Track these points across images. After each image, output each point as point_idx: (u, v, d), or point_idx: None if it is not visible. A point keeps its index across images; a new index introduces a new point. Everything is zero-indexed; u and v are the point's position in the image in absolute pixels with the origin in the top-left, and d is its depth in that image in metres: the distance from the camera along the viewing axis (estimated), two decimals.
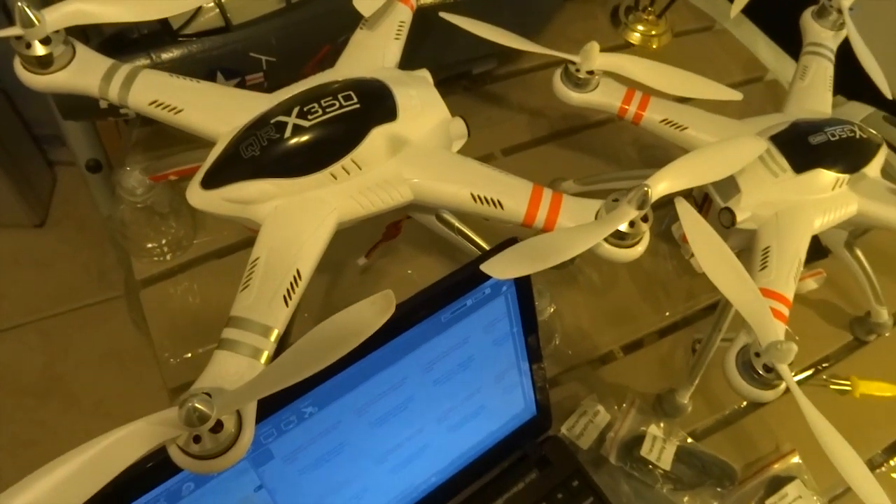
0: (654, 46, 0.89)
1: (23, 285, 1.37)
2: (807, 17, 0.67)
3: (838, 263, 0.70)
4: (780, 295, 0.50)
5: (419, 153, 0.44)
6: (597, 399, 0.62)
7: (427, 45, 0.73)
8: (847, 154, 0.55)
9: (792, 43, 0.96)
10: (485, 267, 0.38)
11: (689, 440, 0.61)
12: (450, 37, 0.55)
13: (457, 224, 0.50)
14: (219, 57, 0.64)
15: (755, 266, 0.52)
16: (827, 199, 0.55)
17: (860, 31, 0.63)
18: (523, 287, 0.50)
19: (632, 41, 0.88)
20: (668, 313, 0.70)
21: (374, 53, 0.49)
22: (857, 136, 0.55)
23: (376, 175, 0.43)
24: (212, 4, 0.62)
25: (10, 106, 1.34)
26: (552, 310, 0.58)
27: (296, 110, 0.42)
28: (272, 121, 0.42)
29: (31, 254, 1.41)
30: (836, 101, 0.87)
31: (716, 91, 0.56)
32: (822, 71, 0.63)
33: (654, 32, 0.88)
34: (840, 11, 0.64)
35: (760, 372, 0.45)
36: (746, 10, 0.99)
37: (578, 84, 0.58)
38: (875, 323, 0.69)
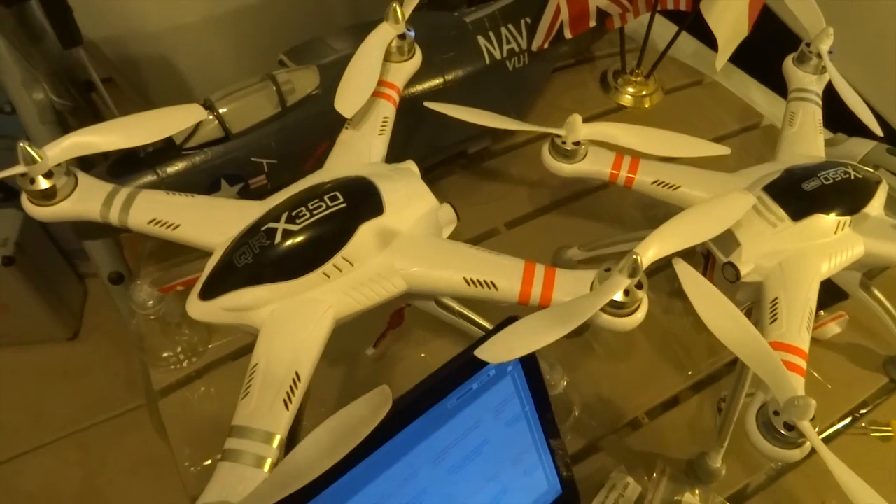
0: (647, 106, 0.90)
1: (59, 398, 1.40)
2: (788, 64, 0.67)
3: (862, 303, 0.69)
4: (795, 347, 0.48)
5: (410, 243, 0.45)
6: (625, 470, 0.60)
7: (422, 131, 0.76)
8: (844, 196, 0.54)
9: (784, 86, 0.97)
10: (479, 352, 0.38)
11: None
12: (443, 120, 0.56)
13: (456, 307, 0.50)
14: (221, 165, 0.67)
15: (765, 319, 0.51)
16: (831, 243, 0.54)
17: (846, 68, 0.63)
18: (529, 365, 0.49)
19: (624, 103, 0.90)
20: (690, 372, 0.68)
21: (359, 151, 0.50)
22: (853, 177, 0.55)
23: (368, 269, 0.44)
24: (211, 117, 0.65)
25: (40, 225, 1.40)
26: (565, 382, 0.57)
27: (284, 216, 0.43)
28: (263, 228, 0.43)
29: (65, 366, 1.44)
30: (837, 139, 0.88)
31: (703, 148, 0.57)
32: (810, 115, 0.63)
33: (644, 92, 0.90)
34: (820, 56, 0.65)
35: (782, 431, 0.44)
36: (737, 60, 1.01)
37: (567, 155, 0.59)
38: None
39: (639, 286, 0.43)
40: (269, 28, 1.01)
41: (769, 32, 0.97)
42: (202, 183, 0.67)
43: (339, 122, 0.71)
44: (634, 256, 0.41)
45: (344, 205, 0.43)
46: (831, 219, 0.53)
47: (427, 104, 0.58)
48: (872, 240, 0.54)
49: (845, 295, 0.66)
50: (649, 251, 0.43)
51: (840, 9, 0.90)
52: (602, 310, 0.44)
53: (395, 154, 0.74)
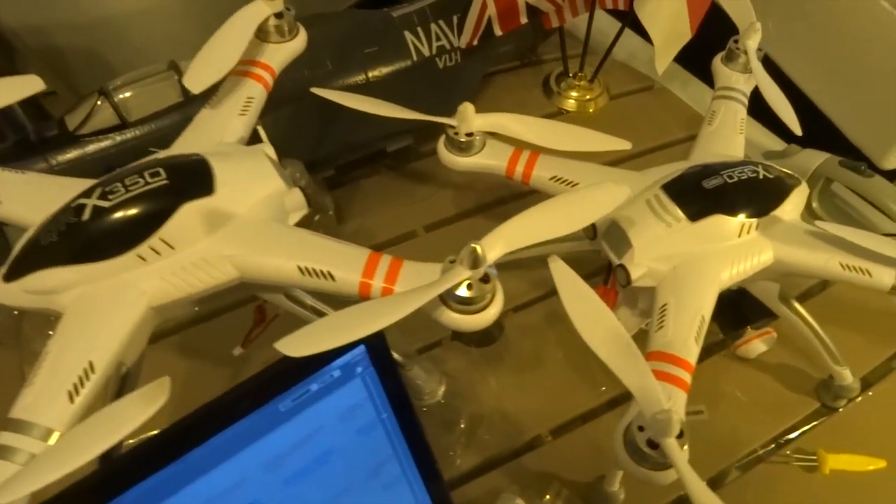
0: (591, 111, 0.86)
1: None
2: (716, 62, 0.63)
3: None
4: (679, 358, 0.44)
5: (244, 227, 0.41)
6: (517, 492, 0.55)
7: (336, 127, 0.72)
8: (750, 196, 0.49)
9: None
10: (280, 345, 0.34)
11: None
12: (358, 117, 0.53)
13: (309, 302, 0.46)
14: (116, 154, 0.64)
15: (653, 326, 0.46)
16: (734, 247, 0.49)
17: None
18: (385, 366, 0.44)
19: (567, 108, 0.86)
20: (604, 388, 0.63)
21: (212, 131, 0.46)
22: (761, 177, 0.50)
23: (192, 254, 0.40)
24: (105, 104, 0.62)
25: None
26: (443, 389, 0.53)
27: (98, 191, 0.39)
28: (73, 204, 0.39)
29: None
30: (789, 151, 0.83)
31: (602, 142, 0.53)
32: (731, 114, 0.59)
33: (588, 97, 0.86)
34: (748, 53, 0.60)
35: (645, 449, 0.39)
36: (694, 69, 0.97)
37: (461, 148, 0.55)
38: (839, 386, 0.61)
39: (485, 280, 0.39)
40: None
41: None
42: (95, 172, 0.64)
43: None
44: (473, 246, 0.37)
45: (165, 182, 0.40)
46: (734, 220, 0.49)
47: (314, 90, 0.55)
48: (783, 246, 0.49)
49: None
50: (496, 243, 0.39)
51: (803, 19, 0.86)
52: (448, 306, 0.40)
53: (307, 150, 0.71)
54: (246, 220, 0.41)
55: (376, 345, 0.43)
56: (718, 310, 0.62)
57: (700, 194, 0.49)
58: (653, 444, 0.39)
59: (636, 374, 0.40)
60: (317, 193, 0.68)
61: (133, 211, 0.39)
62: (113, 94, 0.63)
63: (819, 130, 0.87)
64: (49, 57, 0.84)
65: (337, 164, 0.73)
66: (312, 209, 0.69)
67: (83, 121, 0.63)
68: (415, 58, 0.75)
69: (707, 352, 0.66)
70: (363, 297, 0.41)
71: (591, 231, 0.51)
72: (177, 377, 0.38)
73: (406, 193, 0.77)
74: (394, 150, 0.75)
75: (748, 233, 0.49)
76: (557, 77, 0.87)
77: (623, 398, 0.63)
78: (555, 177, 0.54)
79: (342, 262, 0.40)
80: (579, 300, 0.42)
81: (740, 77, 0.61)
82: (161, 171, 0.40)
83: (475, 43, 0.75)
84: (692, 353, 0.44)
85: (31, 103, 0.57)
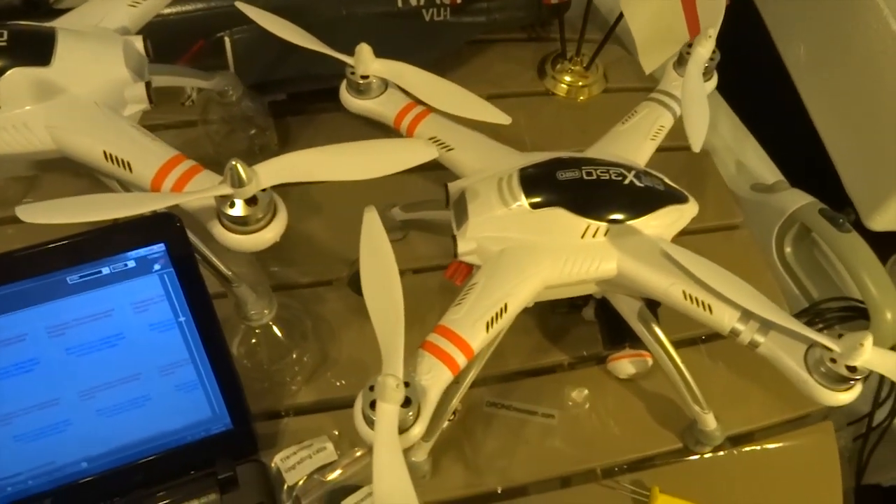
0: (582, 98, 0.83)
1: None
2: (668, 66, 0.59)
3: (696, 353, 0.60)
4: (459, 338, 0.43)
5: (70, 104, 0.43)
6: (337, 437, 0.56)
7: (298, 54, 0.73)
8: (604, 199, 0.47)
9: (755, 113, 0.86)
10: (19, 210, 0.36)
11: None
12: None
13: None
14: None
15: (455, 301, 0.45)
16: (574, 247, 0.47)
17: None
18: (186, 271, 0.46)
19: (556, 91, 0.83)
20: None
21: (96, 13, 0.49)
22: (626, 183, 0.47)
23: (15, 116, 0.42)
24: None
25: None
26: (269, 314, 0.53)
27: None
28: None
29: None
30: (777, 186, 0.77)
31: (485, 112, 0.51)
32: (650, 119, 0.55)
33: (581, 83, 0.82)
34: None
35: (367, 411, 0.38)
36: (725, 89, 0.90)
37: (358, 90, 0.55)
38: (700, 431, 0.57)
39: (252, 202, 0.39)
40: None
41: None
42: None
43: (219, 23, 0.71)
44: (234, 163, 0.37)
45: (4, 44, 0.42)
46: (577, 219, 0.46)
47: (238, 4, 0.56)
48: (629, 260, 0.46)
49: None
50: (276, 169, 0.39)
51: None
52: (223, 224, 0.40)
53: (263, 70, 0.72)
54: (75, 98, 0.43)
55: (177, 248, 0.45)
56: (604, 321, 0.60)
57: (549, 184, 0.46)
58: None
59: (390, 334, 0.39)
60: (257, 114, 0.70)
61: None
62: None
63: (819, 171, 0.80)
64: None
65: (290, 90, 0.74)
66: (250, 127, 0.71)
67: None
68: (400, 4, 0.75)
69: (586, 361, 0.63)
70: (154, 190, 0.42)
71: (445, 197, 0.50)
72: None
73: (357, 136, 0.76)
74: None
75: (594, 236, 0.47)
76: (555, 58, 0.84)
77: (480, 381, 0.62)
78: (434, 137, 0.53)
79: (143, 157, 0.42)
80: (375, 256, 0.42)
81: (681, 85, 0.57)
82: (4, 33, 0.42)
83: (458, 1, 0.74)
84: (477, 337, 0.43)
85: None
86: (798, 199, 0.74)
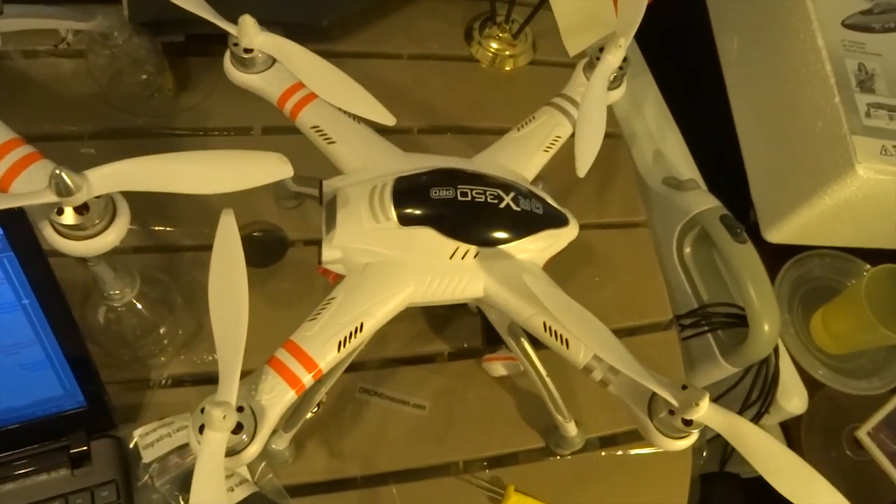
0: (508, 68, 0.79)
1: None
2: (577, 68, 0.56)
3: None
4: (307, 357, 0.42)
5: None
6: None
7: None
8: (476, 222, 0.45)
9: (683, 102, 0.85)
10: None
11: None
12: None
13: None
14: None
15: (312, 315, 0.44)
16: (441, 267, 0.45)
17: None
18: (27, 254, 0.43)
19: (479, 58, 0.79)
20: None
21: None
22: (501, 206, 0.45)
23: None
24: None
25: None
26: (132, 292, 0.51)
27: None
28: None
29: None
30: (687, 184, 0.77)
31: (371, 110, 0.48)
32: (546, 128, 0.53)
33: (508, 53, 0.79)
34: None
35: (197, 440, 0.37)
36: (661, 71, 0.88)
37: (242, 63, 0.51)
38: (561, 436, 0.58)
39: (84, 210, 0.36)
40: None
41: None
42: None
43: None
44: (58, 172, 0.34)
45: None
46: (447, 241, 0.45)
47: None
48: (496, 285, 0.46)
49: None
50: (106, 174, 0.36)
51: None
52: (58, 231, 0.38)
53: (158, 8, 0.66)
54: None
55: (17, 232, 0.42)
56: (485, 319, 0.60)
57: (421, 201, 0.45)
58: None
59: (229, 355, 0.38)
60: (149, 56, 0.65)
61: None
62: None
63: (733, 172, 0.80)
64: None
65: (189, 32, 0.69)
66: (140, 71, 0.66)
67: None
68: None
69: (465, 354, 0.63)
70: None
71: (319, 194, 0.48)
72: None
73: None
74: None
75: (462, 258, 0.45)
76: (484, 21, 0.80)
77: (357, 366, 0.62)
78: (316, 127, 0.50)
79: None
80: (226, 269, 0.40)
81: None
82: None
83: None
84: (326, 356, 0.42)
85: None
86: (703, 202, 0.74)
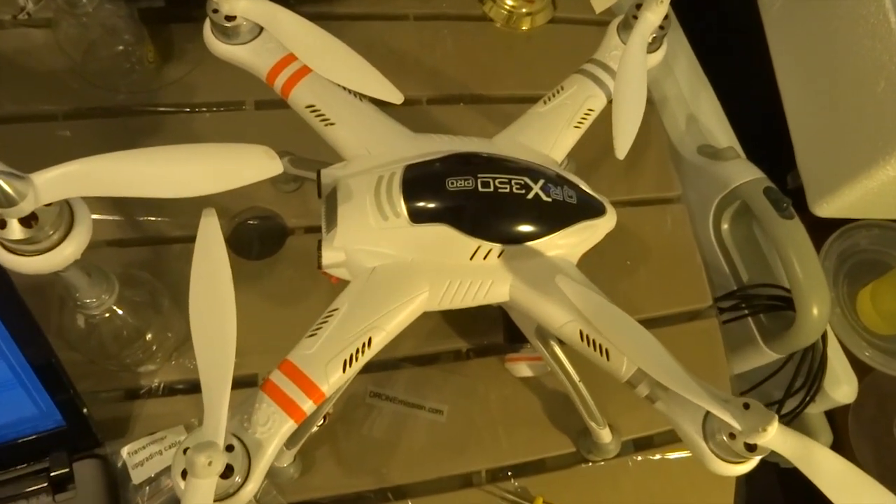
0: (524, 28, 0.72)
1: None
2: (610, 29, 0.49)
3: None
4: (308, 381, 0.36)
5: None
6: (194, 426, 0.50)
7: None
8: (502, 217, 0.39)
9: (718, 61, 0.77)
10: None
11: None
12: None
13: None
14: None
15: (311, 330, 0.38)
16: (459, 269, 0.39)
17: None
18: None
19: (494, 17, 0.71)
20: None
21: None
22: (529, 197, 0.39)
23: None
24: None
25: None
26: (109, 298, 0.45)
27: None
28: None
29: None
30: (725, 153, 0.70)
31: (375, 87, 0.41)
32: (577, 100, 0.46)
33: (526, 10, 0.71)
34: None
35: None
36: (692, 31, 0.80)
37: (223, 32, 0.44)
38: (594, 442, 0.53)
39: (33, 220, 0.30)
40: None
41: None
42: None
43: None
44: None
45: None
46: (467, 239, 0.38)
47: None
48: (524, 288, 0.39)
49: None
50: (55, 177, 0.30)
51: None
52: (4, 247, 0.32)
53: None
54: None
55: None
56: (507, 315, 0.54)
57: (436, 193, 0.38)
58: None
59: (214, 383, 0.32)
60: (125, 24, 0.57)
61: None
62: None
63: (775, 139, 0.72)
64: None
65: None
66: (115, 42, 0.59)
67: None
68: None
69: (486, 351, 0.58)
70: None
71: (318, 185, 0.42)
72: None
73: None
74: None
75: (484, 258, 0.39)
76: None
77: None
78: (312, 106, 0.43)
79: None
80: (209, 279, 0.34)
81: (620, 56, 0.47)
82: None
83: None
84: (329, 379, 0.36)
85: None
86: (744, 173, 0.67)
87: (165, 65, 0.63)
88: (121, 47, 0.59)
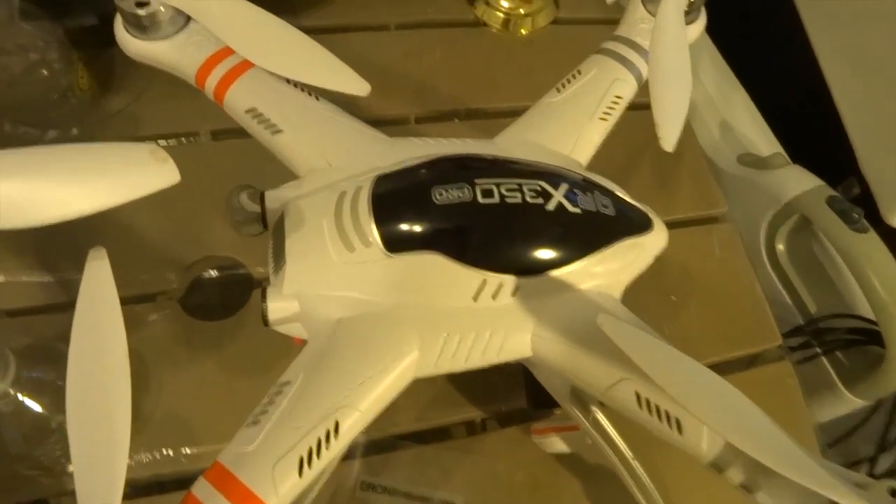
0: (524, 31, 0.62)
1: None
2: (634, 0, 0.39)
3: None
4: (245, 491, 0.24)
5: None
6: None
7: None
8: (513, 236, 0.28)
9: (748, 58, 0.67)
10: None
11: None
12: None
13: None
14: None
15: (251, 416, 0.26)
16: (459, 314, 0.28)
17: None
18: None
19: (489, 21, 0.62)
20: None
21: None
22: (552, 208, 0.28)
23: None
24: None
25: None
26: (3, 383, 0.35)
27: None
28: None
29: None
30: (773, 160, 0.59)
31: (334, 78, 0.30)
32: (602, 85, 0.35)
33: (523, 11, 0.61)
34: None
35: None
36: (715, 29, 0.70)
37: (137, 26, 0.34)
38: None
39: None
40: None
41: None
42: None
43: None
44: None
45: None
46: (467, 271, 0.27)
47: None
48: (551, 335, 0.28)
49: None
50: None
51: None
52: None
53: None
54: None
55: None
56: (529, 373, 0.42)
57: (420, 210, 0.27)
58: None
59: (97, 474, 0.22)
60: (48, 47, 0.48)
61: None
62: None
63: (826, 141, 0.61)
64: None
65: (101, 10, 0.52)
66: (36, 67, 0.49)
67: None
68: None
69: (506, 419, 0.46)
70: None
71: (261, 217, 0.31)
72: None
73: None
74: None
75: (494, 298, 0.28)
76: None
77: None
78: (253, 110, 0.33)
79: None
80: (93, 333, 0.24)
81: (650, 30, 0.37)
82: None
83: None
84: (279, 489, 0.24)
85: None
86: (800, 182, 0.56)
87: (104, 94, 0.53)
88: (45, 72, 0.49)
